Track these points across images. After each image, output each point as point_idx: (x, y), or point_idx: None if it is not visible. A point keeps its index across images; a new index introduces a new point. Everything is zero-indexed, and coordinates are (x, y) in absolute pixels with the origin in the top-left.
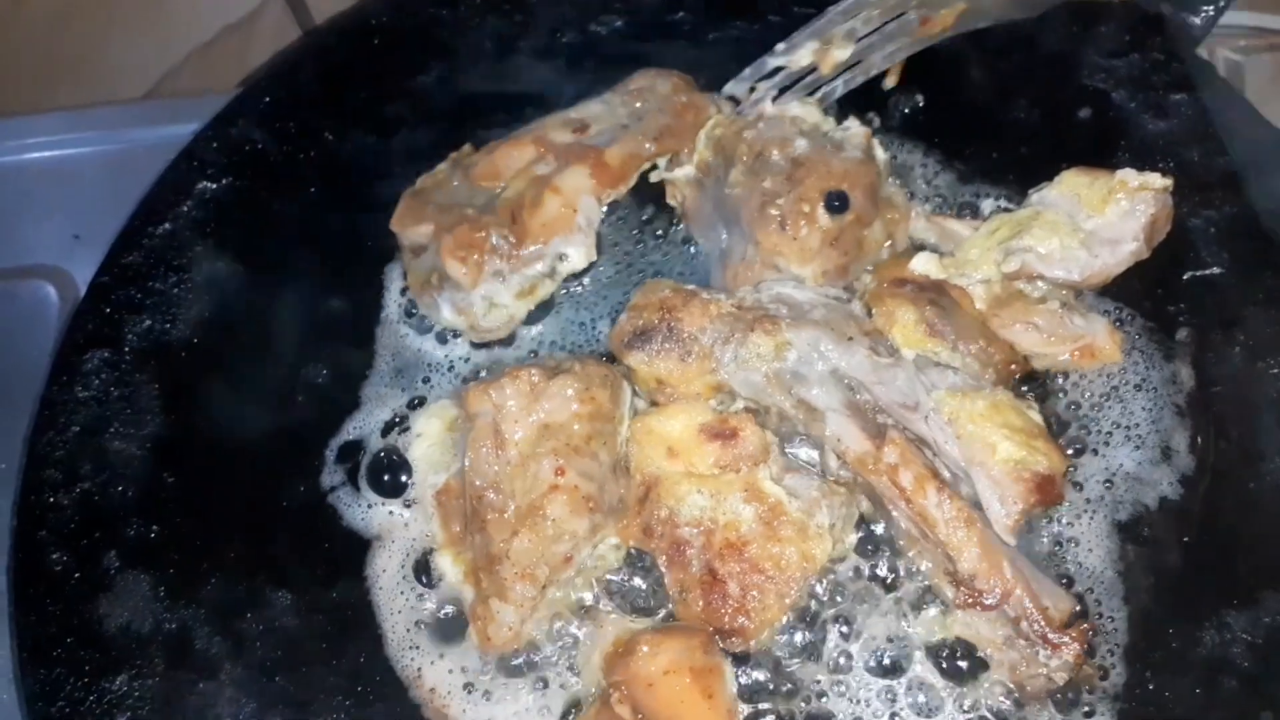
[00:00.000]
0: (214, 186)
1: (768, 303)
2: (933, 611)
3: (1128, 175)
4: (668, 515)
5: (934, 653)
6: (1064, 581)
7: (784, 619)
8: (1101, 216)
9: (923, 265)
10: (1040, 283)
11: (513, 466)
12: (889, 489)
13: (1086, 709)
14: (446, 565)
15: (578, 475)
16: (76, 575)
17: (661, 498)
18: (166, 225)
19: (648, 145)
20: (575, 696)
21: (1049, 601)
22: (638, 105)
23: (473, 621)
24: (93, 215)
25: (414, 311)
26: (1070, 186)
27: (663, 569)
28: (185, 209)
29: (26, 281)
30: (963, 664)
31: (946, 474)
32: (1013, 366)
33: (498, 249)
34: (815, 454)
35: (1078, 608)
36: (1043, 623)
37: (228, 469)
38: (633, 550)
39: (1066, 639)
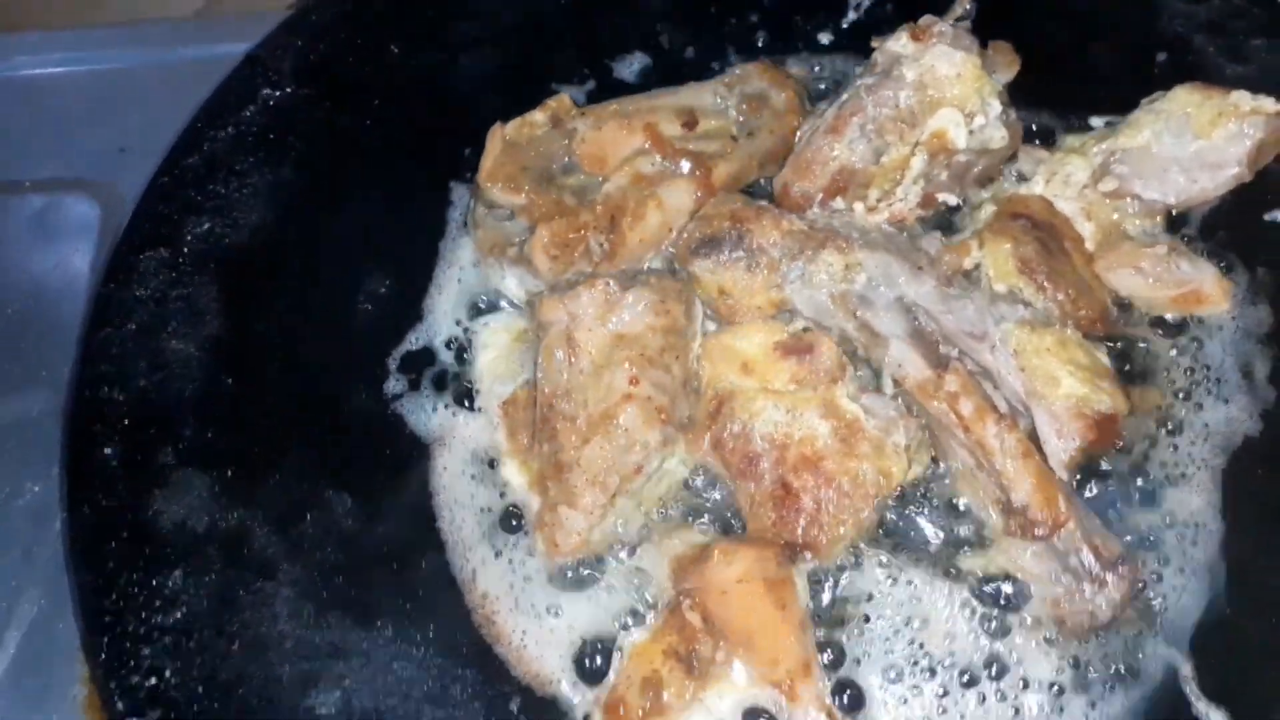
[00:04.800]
0: (278, 94)
1: (839, 226)
2: (977, 546)
3: (1241, 98)
4: (741, 430)
5: (976, 585)
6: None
7: (856, 537)
8: (1207, 140)
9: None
10: (1133, 202)
11: (586, 375)
12: (948, 416)
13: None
14: (511, 473)
15: (651, 386)
16: (131, 471)
17: (735, 413)
18: (229, 129)
19: (754, 169)
20: (632, 606)
21: (1099, 540)
22: (750, 117)
23: (539, 529)
24: (139, 130)
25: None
26: (1181, 104)
27: (732, 483)
28: (248, 114)
29: (70, 194)
30: (1005, 593)
31: (1005, 406)
32: (1097, 324)
33: (590, 253)
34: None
35: (1126, 553)
36: (1092, 558)
37: (287, 374)
38: (700, 469)
39: (1114, 576)
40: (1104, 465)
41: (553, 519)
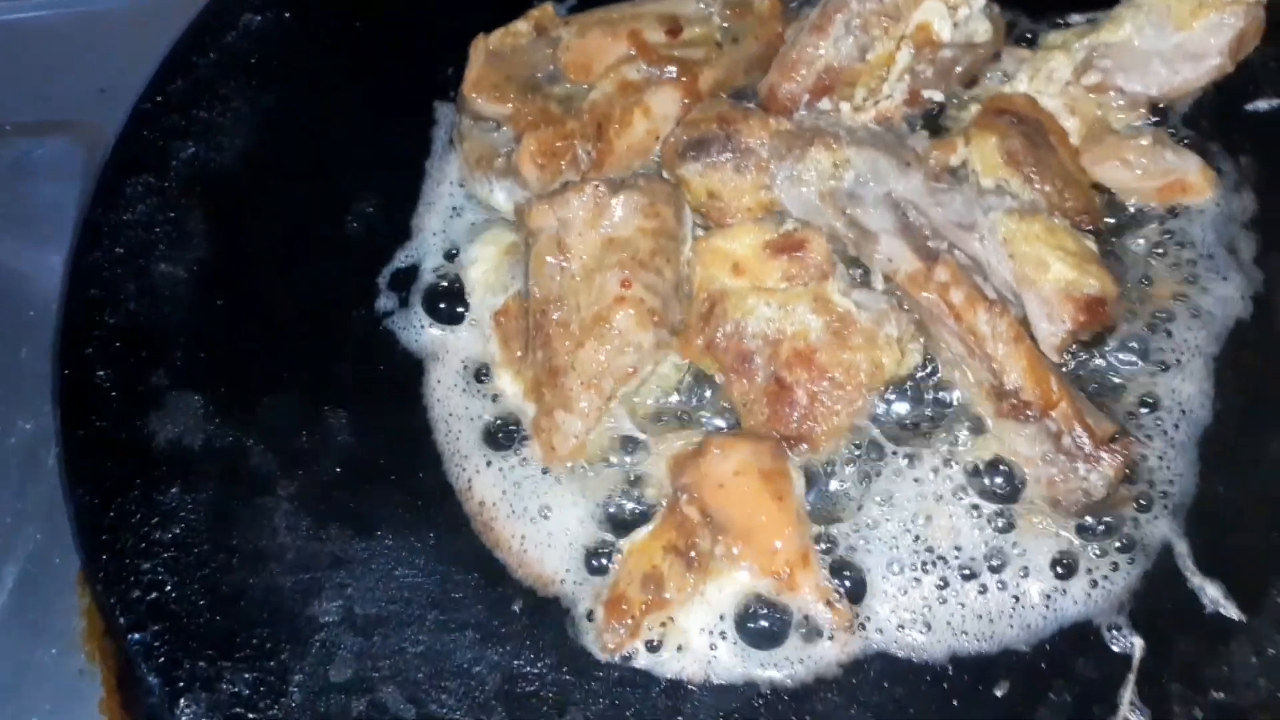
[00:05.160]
0: (259, 19)
1: (826, 125)
2: (972, 433)
3: None
4: (733, 329)
5: (972, 473)
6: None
7: (851, 427)
8: (1188, 32)
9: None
10: (1117, 95)
11: (578, 279)
12: (938, 306)
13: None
14: (506, 383)
15: (643, 288)
16: (124, 393)
17: (727, 313)
18: (212, 55)
19: (739, 75)
20: (632, 507)
21: (1091, 420)
22: (734, 23)
23: (535, 434)
24: (118, 72)
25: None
26: None
27: (727, 382)
28: (230, 39)
29: (52, 136)
30: (1001, 483)
31: (995, 294)
32: (1085, 214)
33: (578, 161)
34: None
35: (1118, 432)
36: (1084, 436)
37: (277, 295)
38: (694, 372)
39: (1106, 454)
40: (1095, 350)
41: (549, 424)
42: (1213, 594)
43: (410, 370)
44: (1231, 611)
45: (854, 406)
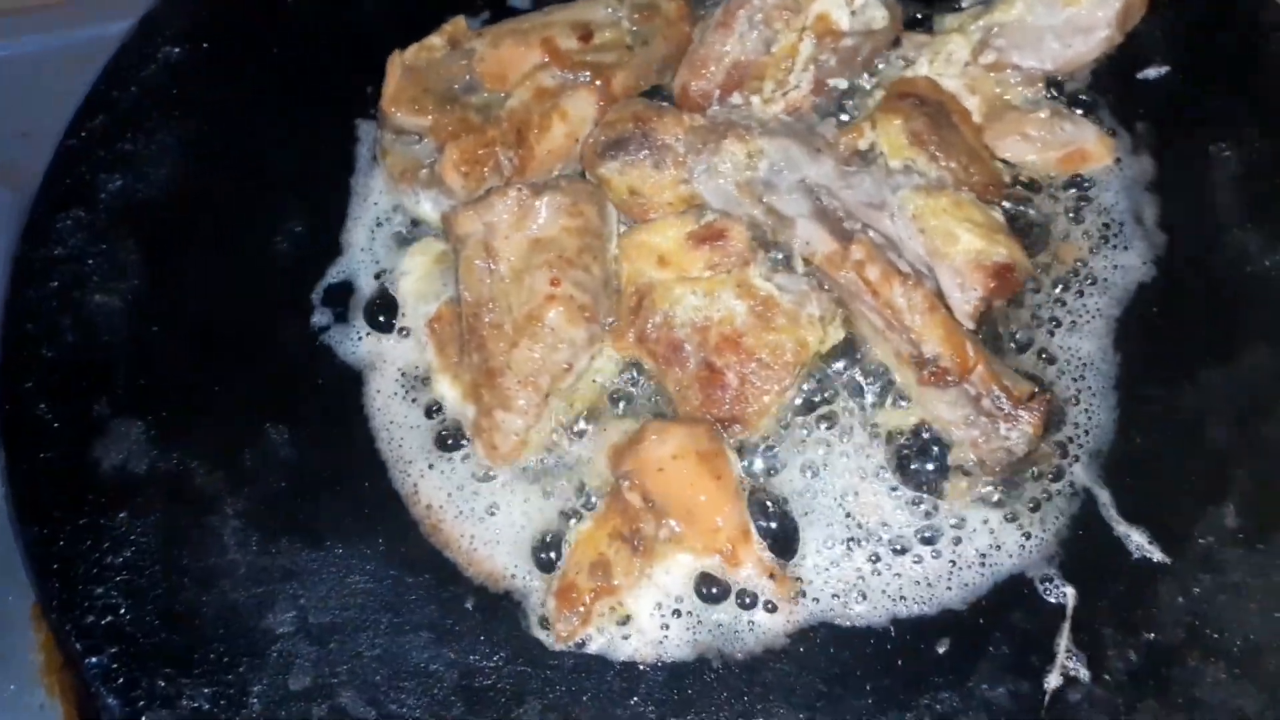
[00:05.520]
0: (177, 51)
1: (738, 119)
2: (895, 404)
3: None
4: (662, 319)
5: (898, 443)
6: (1046, 363)
7: (780, 406)
8: (1076, 7)
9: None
10: (1014, 72)
11: (507, 282)
12: (856, 284)
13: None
14: (444, 388)
15: (572, 285)
16: (67, 424)
17: (655, 304)
18: (133, 89)
19: (651, 76)
20: (575, 499)
21: (1009, 381)
22: (643, 26)
23: (476, 436)
24: (41, 113)
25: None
26: None
27: (660, 371)
28: (149, 72)
29: None
30: (927, 449)
31: (909, 269)
32: (990, 188)
33: (500, 168)
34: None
35: (1036, 390)
36: (1002, 397)
37: (212, 318)
38: (627, 365)
39: (1024, 412)
40: (1007, 317)
41: (489, 424)
42: (1138, 540)
43: (349, 382)
44: (1156, 555)
45: (782, 385)
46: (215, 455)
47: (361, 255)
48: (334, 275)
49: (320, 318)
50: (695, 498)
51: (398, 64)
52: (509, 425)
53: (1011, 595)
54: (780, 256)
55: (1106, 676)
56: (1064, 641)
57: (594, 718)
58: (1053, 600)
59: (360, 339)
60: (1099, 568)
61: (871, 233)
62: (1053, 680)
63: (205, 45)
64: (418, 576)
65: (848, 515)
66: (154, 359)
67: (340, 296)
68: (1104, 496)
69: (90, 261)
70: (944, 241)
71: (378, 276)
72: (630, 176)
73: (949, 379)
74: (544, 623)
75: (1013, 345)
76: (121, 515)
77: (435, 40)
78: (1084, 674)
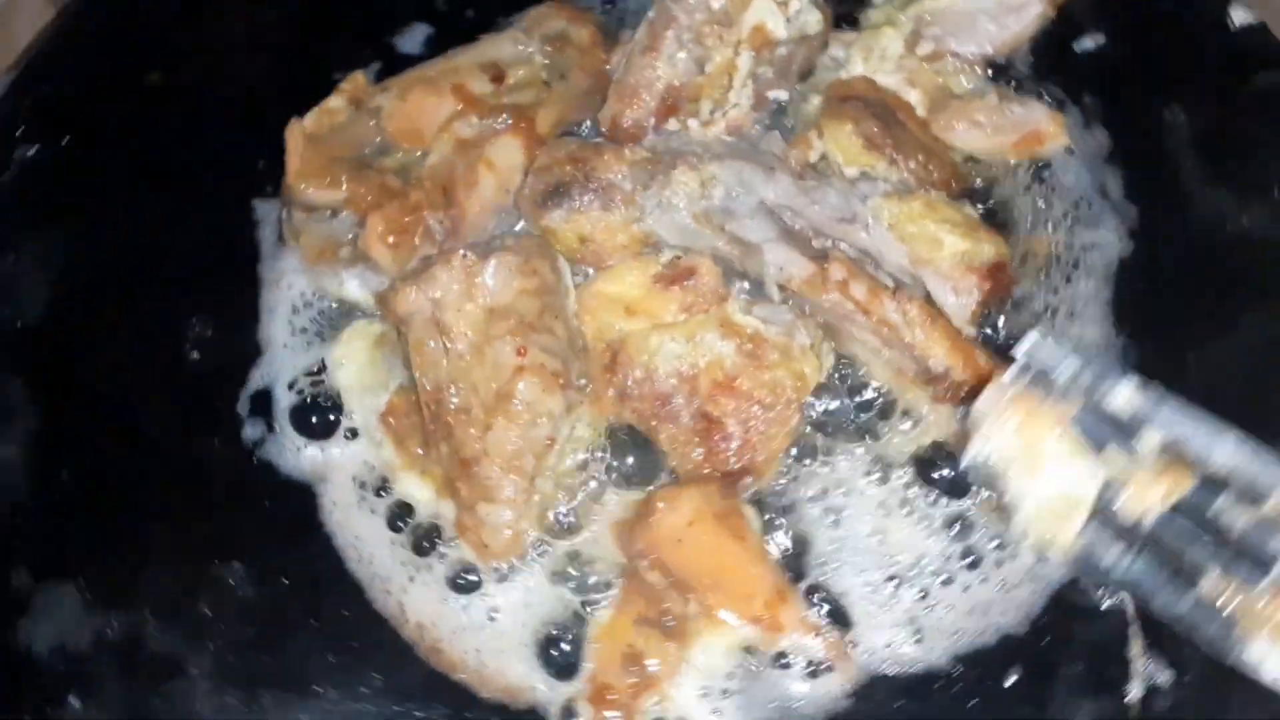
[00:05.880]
0: (34, 150)
1: (680, 146)
2: (904, 425)
3: None
4: (643, 373)
5: (917, 463)
6: None
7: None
8: None
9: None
10: (952, 60)
11: (467, 359)
12: (843, 305)
13: None
14: (412, 487)
15: (540, 352)
16: None
17: (632, 358)
18: None
19: (575, 110)
20: (586, 588)
21: None
22: (556, 59)
23: (462, 536)
24: None
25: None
26: None
27: (651, 430)
28: (5, 180)
29: None
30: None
31: (890, 282)
32: (952, 182)
33: (431, 233)
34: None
35: None
36: None
37: (129, 452)
38: (611, 430)
39: None
40: (1002, 318)
41: (474, 520)
42: None
43: (299, 499)
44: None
45: (789, 426)
46: (165, 610)
47: (285, 353)
48: (258, 380)
49: (251, 431)
50: (721, 564)
51: (298, 134)
52: (497, 518)
53: (1069, 607)
54: (748, 287)
55: (1188, 677)
56: (1137, 647)
57: None
58: (1109, 605)
59: (301, 449)
60: None
61: (844, 247)
62: (1135, 691)
63: (67, 139)
64: (428, 708)
65: (884, 554)
66: (69, 510)
67: (268, 403)
68: None
69: None
70: (928, 248)
71: (310, 374)
72: (578, 224)
73: (966, 394)
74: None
75: (999, 346)
76: (71, 699)
77: (335, 102)
78: (1166, 678)
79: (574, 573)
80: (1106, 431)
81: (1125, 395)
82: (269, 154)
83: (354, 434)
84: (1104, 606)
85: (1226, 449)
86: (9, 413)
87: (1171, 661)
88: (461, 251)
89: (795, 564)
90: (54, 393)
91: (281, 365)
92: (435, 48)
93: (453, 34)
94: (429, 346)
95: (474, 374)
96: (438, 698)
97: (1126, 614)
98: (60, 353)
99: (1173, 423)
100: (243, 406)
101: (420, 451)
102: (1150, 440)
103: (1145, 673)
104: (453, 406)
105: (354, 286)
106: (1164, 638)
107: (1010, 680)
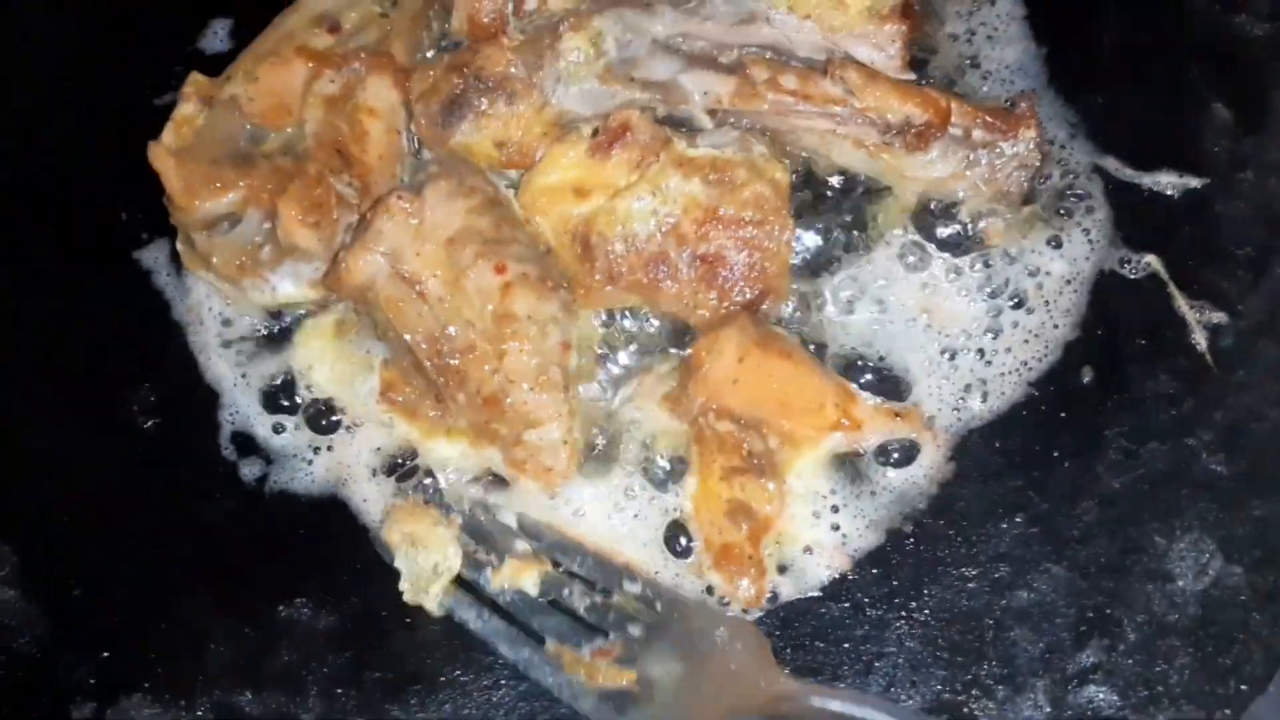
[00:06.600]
0: None
1: (548, 19)
2: (889, 197)
3: None
4: (624, 246)
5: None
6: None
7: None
8: None
9: None
10: None
11: (448, 300)
12: (780, 102)
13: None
14: (443, 450)
15: (517, 263)
16: None
17: (606, 235)
18: None
19: (423, 29)
20: (658, 470)
21: (980, 105)
22: None
23: (518, 469)
24: None
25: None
26: None
27: (649, 300)
28: None
29: None
30: (947, 231)
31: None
32: None
33: (345, 199)
34: None
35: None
36: (989, 118)
37: (138, 545)
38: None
39: (1018, 121)
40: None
41: (526, 451)
42: (1168, 179)
43: (328, 511)
44: (1193, 181)
45: (787, 234)
46: (250, 676)
47: (240, 388)
48: (230, 419)
49: (250, 469)
50: (783, 387)
51: (163, 155)
52: (549, 438)
53: (1109, 295)
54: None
55: (1240, 307)
56: (1182, 303)
57: (851, 642)
58: (1138, 275)
59: (310, 461)
60: (1154, 224)
61: (751, 50)
62: (1199, 338)
63: None
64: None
65: (930, 327)
66: (105, 626)
67: (252, 434)
68: (1110, 162)
69: None
70: (833, 14)
71: (277, 390)
72: (490, 129)
73: (933, 132)
74: (721, 602)
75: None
76: None
77: (187, 109)
78: (1220, 317)
79: (641, 461)
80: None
81: None
82: (124, 202)
83: (354, 428)
84: (1134, 277)
85: None
86: None
87: (1217, 303)
88: (394, 194)
89: (847, 370)
90: (22, 524)
91: (245, 400)
92: (243, 36)
93: (255, 15)
94: (404, 302)
95: (462, 310)
96: None
97: (1159, 273)
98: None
99: None
100: (227, 451)
101: (436, 415)
102: None
103: (1201, 319)
104: (455, 350)
105: (287, 286)
106: (1201, 285)
107: (1085, 379)
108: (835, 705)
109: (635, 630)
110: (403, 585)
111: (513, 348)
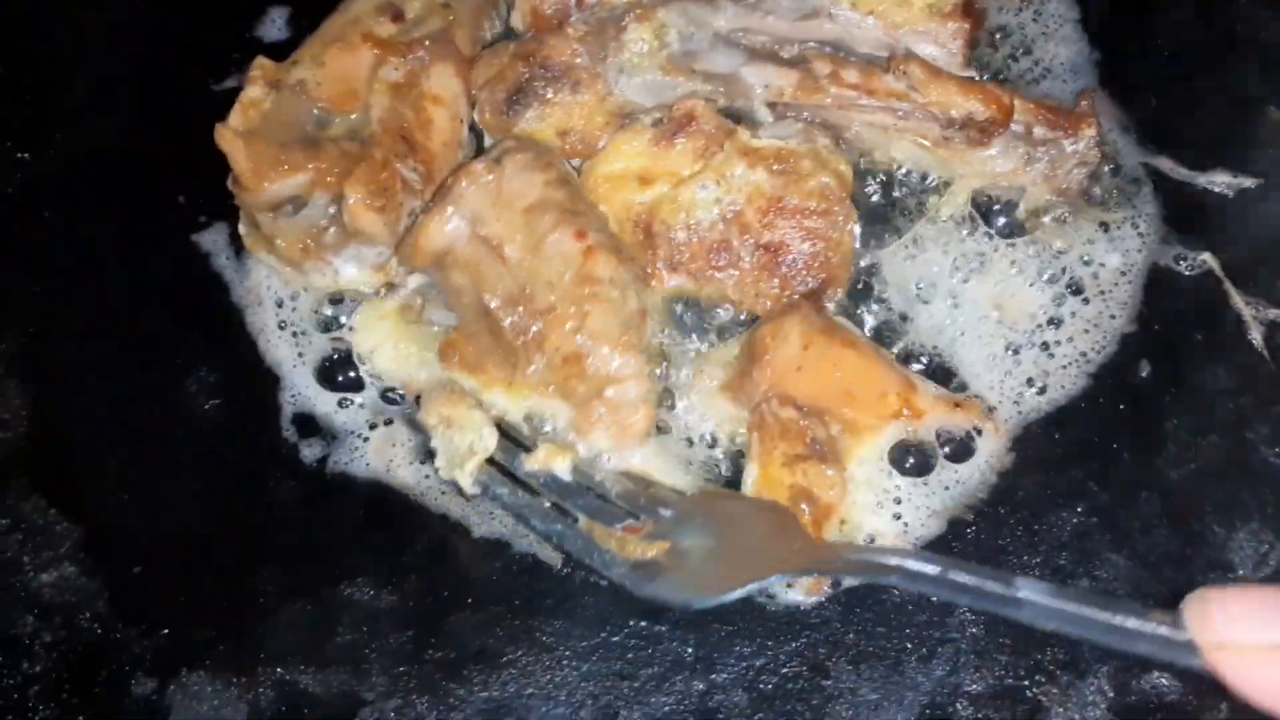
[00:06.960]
0: None
1: (612, 11)
2: (947, 192)
3: None
4: (686, 233)
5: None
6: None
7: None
8: None
9: None
10: None
11: (529, 260)
12: (843, 96)
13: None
14: (499, 400)
15: (595, 232)
16: None
17: (670, 223)
18: None
19: (487, 19)
20: (716, 453)
21: (1042, 102)
22: None
23: (588, 431)
24: None
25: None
26: None
27: (710, 288)
28: None
29: None
30: (1004, 221)
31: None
32: None
33: (410, 185)
34: None
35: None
36: (1050, 115)
37: (202, 522)
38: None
39: (1079, 117)
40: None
41: (609, 407)
42: (1223, 179)
43: (381, 490)
44: (1247, 181)
45: (849, 226)
46: (311, 655)
47: (300, 371)
48: (291, 400)
49: (310, 450)
50: (846, 375)
51: (231, 137)
52: (628, 396)
53: (1164, 291)
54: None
55: None
56: (1238, 300)
57: (915, 627)
58: (1192, 272)
59: (367, 439)
60: (1208, 222)
61: (814, 45)
62: (1255, 335)
63: None
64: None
65: (991, 317)
66: (166, 604)
67: (313, 414)
68: (1164, 162)
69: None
70: (896, 11)
71: (339, 374)
72: (553, 118)
73: (996, 128)
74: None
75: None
76: None
77: (254, 92)
78: (1276, 314)
79: (704, 441)
80: None
81: None
82: (183, 187)
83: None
84: (1189, 274)
85: None
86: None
87: (1273, 300)
88: (476, 161)
89: (906, 360)
90: (90, 505)
91: (301, 378)
92: (300, 25)
93: (312, 3)
94: (484, 264)
95: (542, 273)
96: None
97: (1214, 270)
98: (80, 467)
99: None
100: (288, 433)
101: (497, 372)
102: None
103: (1257, 315)
104: (534, 310)
105: (350, 269)
106: (1256, 283)
107: (1143, 372)
108: (870, 556)
109: (666, 513)
110: (438, 462)
111: (595, 309)
